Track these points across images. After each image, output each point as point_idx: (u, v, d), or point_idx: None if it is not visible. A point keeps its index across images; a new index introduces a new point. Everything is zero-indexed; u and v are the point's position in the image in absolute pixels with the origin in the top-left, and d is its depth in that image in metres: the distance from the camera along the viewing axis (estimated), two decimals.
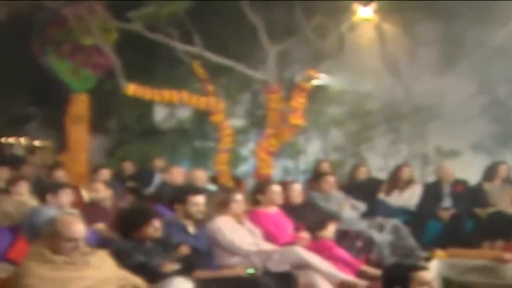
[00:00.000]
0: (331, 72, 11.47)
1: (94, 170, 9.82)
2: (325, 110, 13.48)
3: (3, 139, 15.23)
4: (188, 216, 6.11)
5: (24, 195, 7.99)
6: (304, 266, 6.03)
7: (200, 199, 6.14)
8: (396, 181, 9.66)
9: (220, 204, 6.49)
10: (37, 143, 15.45)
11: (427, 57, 12.04)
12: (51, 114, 15.14)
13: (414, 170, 10.69)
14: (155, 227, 5.29)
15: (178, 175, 8.96)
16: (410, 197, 9.51)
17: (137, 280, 4.56)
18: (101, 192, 7.48)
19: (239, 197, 6.61)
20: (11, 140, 15.32)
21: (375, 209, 9.00)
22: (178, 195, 6.23)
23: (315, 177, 9.00)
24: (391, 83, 12.77)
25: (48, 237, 4.33)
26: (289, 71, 12.80)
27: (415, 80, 12.30)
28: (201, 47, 10.83)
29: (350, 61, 11.74)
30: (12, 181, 8.20)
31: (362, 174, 10.16)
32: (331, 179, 8.57)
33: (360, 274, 6.45)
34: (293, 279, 5.65)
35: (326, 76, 11.12)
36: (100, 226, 7.10)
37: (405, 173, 9.69)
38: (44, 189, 7.00)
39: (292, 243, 6.64)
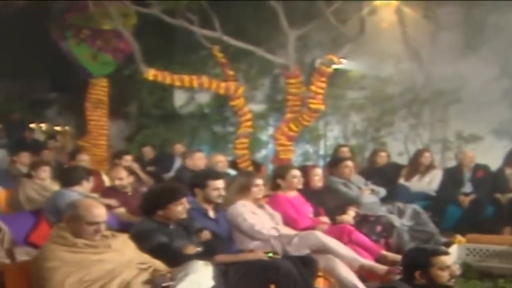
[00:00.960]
0: (351, 57, 11.41)
1: (116, 156, 9.83)
2: (345, 94, 13.46)
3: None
4: (208, 200, 6.12)
5: (45, 180, 8.06)
6: (323, 250, 6.02)
7: (220, 184, 6.14)
8: (416, 166, 9.62)
9: (240, 188, 6.49)
10: (57, 128, 15.53)
11: (448, 41, 11.96)
12: (71, 99, 15.26)
13: (435, 155, 10.63)
14: (184, 206, 5.31)
15: (200, 160, 8.95)
16: (430, 182, 9.48)
17: (157, 263, 4.57)
18: (124, 179, 7.51)
19: (259, 181, 6.61)
20: (32, 125, 15.41)
21: (395, 194, 8.97)
22: (199, 180, 6.23)
23: (334, 162, 8.96)
24: (411, 67, 12.72)
25: (70, 221, 4.36)
26: (309, 56, 12.78)
27: (436, 64, 12.23)
28: (220, 31, 10.80)
29: (371, 46, 11.68)
30: (34, 166, 8.29)
31: (382, 159, 10.12)
32: (350, 163, 8.53)
33: (380, 259, 6.44)
34: (313, 263, 5.64)
35: (346, 60, 11.06)
36: (121, 210, 7.15)
37: (426, 158, 9.64)
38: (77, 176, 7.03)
39: (311, 227, 6.64)
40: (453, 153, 11.65)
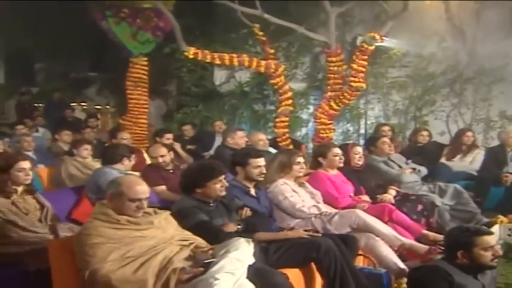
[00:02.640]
0: (394, 34, 11.29)
1: (157, 134, 9.88)
2: (386, 73, 13.34)
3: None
4: (249, 178, 6.13)
5: (87, 158, 8.16)
6: (364, 229, 6.00)
7: (261, 162, 6.13)
8: (458, 146, 9.53)
9: (281, 166, 6.48)
10: (98, 107, 15.67)
11: (493, 18, 11.74)
12: (111, 78, 15.39)
13: (477, 135, 10.51)
14: (223, 184, 5.32)
15: (241, 138, 8.95)
16: (473, 162, 9.39)
17: (199, 239, 4.60)
18: (166, 155, 7.56)
19: (300, 159, 6.60)
20: (72, 104, 15.58)
21: (436, 174, 8.92)
22: (240, 158, 6.23)
23: (372, 140, 8.90)
24: (455, 45, 12.53)
25: (112, 198, 4.40)
26: (351, 34, 12.69)
27: (480, 42, 12.04)
28: (261, 9, 10.75)
29: (413, 23, 11.52)
30: (76, 144, 8.38)
31: (423, 138, 10.02)
32: (388, 141, 8.48)
33: (420, 238, 6.40)
34: (354, 242, 5.63)
35: (388, 38, 10.94)
36: (162, 188, 7.20)
37: (468, 137, 9.54)
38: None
39: (352, 206, 6.62)
40: (496, 133, 11.51)
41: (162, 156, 7.52)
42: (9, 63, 16.86)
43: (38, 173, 7.79)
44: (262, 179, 6.18)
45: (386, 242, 5.96)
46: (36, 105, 15.52)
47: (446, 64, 12.89)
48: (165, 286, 4.05)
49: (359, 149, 7.82)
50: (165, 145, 8.21)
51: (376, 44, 10.37)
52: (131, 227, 4.33)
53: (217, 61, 10.91)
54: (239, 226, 5.24)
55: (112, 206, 4.37)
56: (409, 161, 8.72)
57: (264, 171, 6.15)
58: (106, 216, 4.32)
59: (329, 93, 10.92)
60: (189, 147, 10.64)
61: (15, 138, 9.86)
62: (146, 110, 12.51)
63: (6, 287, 4.67)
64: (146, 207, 4.46)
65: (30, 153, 8.91)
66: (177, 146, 9.46)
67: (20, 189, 5.40)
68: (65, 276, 4.31)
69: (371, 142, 8.71)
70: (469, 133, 9.67)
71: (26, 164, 5.45)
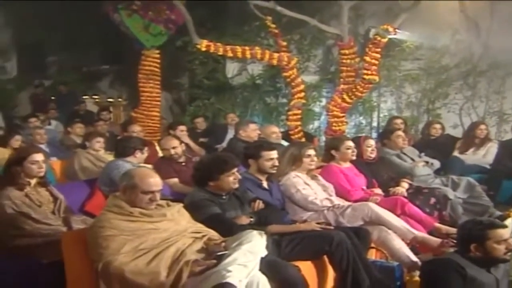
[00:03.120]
0: (407, 27, 11.23)
1: (170, 127, 9.90)
2: (399, 65, 13.29)
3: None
4: (262, 171, 6.13)
5: (99, 151, 8.18)
6: (376, 222, 6.00)
7: (274, 154, 6.13)
8: (471, 139, 9.49)
9: (292, 159, 6.47)
10: (110, 99, 15.69)
11: (507, 11, 11.65)
12: (123, 71, 15.40)
13: (490, 128, 10.45)
14: (235, 176, 5.32)
15: (253, 131, 8.95)
16: (486, 155, 9.35)
17: (212, 232, 4.61)
18: (178, 147, 7.57)
19: (311, 152, 6.59)
20: (85, 97, 15.60)
21: (449, 167, 8.89)
22: (252, 150, 6.23)
23: (386, 133, 8.88)
24: (469, 38, 12.46)
25: (125, 190, 4.41)
26: (363, 26, 12.64)
27: (494, 35, 11.96)
28: (274, 2, 10.73)
29: (427, 15, 11.46)
30: (88, 137, 8.40)
31: (436, 131, 9.99)
32: (402, 135, 8.46)
33: (433, 232, 6.39)
34: (367, 235, 5.63)
35: (401, 30, 10.89)
36: (174, 180, 7.21)
37: (481, 130, 9.50)
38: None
39: (365, 199, 6.61)
40: (509, 126, 11.46)
41: (174, 148, 7.54)
42: (22, 56, 16.89)
43: (51, 166, 7.82)
44: (274, 171, 6.18)
45: (399, 235, 5.96)
46: (52, 97, 15.56)
47: (459, 57, 12.82)
48: (178, 278, 4.06)
49: (372, 142, 7.81)
50: (175, 137, 8.24)
51: (389, 36, 10.34)
52: (144, 220, 4.35)
53: (230, 54, 10.91)
54: (251, 219, 5.25)
55: (125, 198, 4.39)
56: (422, 154, 8.70)
57: (277, 164, 6.15)
58: (119, 209, 4.34)
59: (342, 86, 10.91)
60: (201, 140, 10.66)
61: (27, 131, 9.89)
62: (158, 102, 12.53)
63: (20, 279, 4.70)
64: (159, 199, 4.47)
65: (42, 146, 8.93)
66: (185, 138, 9.42)
67: (33, 181, 5.43)
68: (78, 268, 4.33)
69: (385, 135, 8.70)
70: (482, 126, 9.62)
71: (39, 157, 5.47)
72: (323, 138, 11.87)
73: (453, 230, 6.05)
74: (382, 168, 7.71)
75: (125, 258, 4.07)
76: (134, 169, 4.77)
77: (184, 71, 15.56)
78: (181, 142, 8.13)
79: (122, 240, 4.15)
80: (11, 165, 5.41)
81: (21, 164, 5.36)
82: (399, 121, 10.13)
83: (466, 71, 12.96)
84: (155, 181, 4.43)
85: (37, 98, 15.62)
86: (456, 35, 12.60)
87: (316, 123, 14.22)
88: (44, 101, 15.06)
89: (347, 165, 7.18)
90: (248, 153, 6.26)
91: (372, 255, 5.89)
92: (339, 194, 6.65)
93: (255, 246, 4.22)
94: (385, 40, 10.21)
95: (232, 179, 5.32)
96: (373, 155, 7.67)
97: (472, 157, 9.32)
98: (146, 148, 7.29)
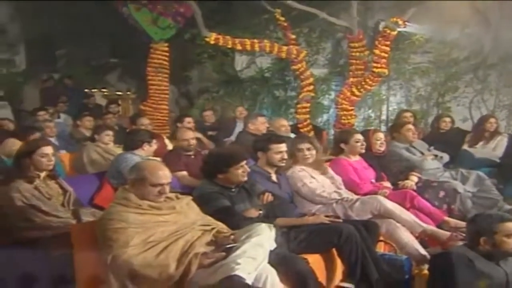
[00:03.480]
0: (416, 20, 11.17)
1: (178, 120, 9.91)
2: (409, 58, 13.25)
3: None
4: (271, 164, 6.12)
5: (108, 144, 8.19)
6: (385, 215, 6.01)
7: (283, 147, 6.11)
8: (481, 132, 9.45)
9: (289, 154, 6.41)
10: (118, 93, 15.70)
11: None
12: (131, 64, 15.39)
13: (500, 121, 10.40)
14: (244, 169, 5.32)
15: (262, 124, 8.96)
16: (495, 149, 9.30)
17: (220, 225, 4.61)
18: (191, 140, 7.56)
19: (304, 145, 6.55)
20: (93, 90, 15.62)
21: (458, 160, 8.87)
22: (261, 143, 6.22)
23: (396, 126, 8.86)
24: (478, 31, 12.39)
25: (134, 183, 4.41)
26: (373, 19, 12.59)
27: (504, 28, 11.88)
28: None
29: (436, 9, 11.39)
30: (97, 130, 8.41)
31: (445, 124, 9.96)
32: (412, 128, 8.44)
33: (442, 225, 6.38)
34: (375, 228, 5.63)
35: (410, 23, 10.84)
36: (183, 173, 7.22)
37: (491, 124, 9.44)
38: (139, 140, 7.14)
39: (373, 192, 6.61)
40: None
41: (191, 139, 7.53)
42: (30, 49, 16.91)
43: (60, 159, 7.84)
44: (283, 164, 6.17)
45: (408, 228, 5.96)
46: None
47: (469, 50, 12.77)
48: (186, 270, 4.07)
49: (381, 135, 7.80)
50: (188, 128, 8.25)
51: (399, 29, 10.31)
52: (153, 212, 4.35)
53: (238, 47, 10.90)
54: (260, 212, 5.24)
55: (134, 191, 4.39)
56: (431, 147, 8.67)
57: (286, 157, 6.14)
58: (128, 201, 4.34)
59: (351, 79, 10.88)
60: (210, 133, 10.66)
61: (37, 124, 9.90)
62: (166, 96, 12.54)
63: (29, 271, 4.71)
64: (168, 192, 4.48)
65: (52, 139, 8.96)
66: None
67: (42, 174, 5.44)
68: (87, 260, 4.33)
69: (395, 129, 8.66)
70: (492, 120, 9.57)
71: (48, 150, 5.48)
72: (332, 132, 11.86)
73: (462, 223, 6.05)
74: (391, 161, 7.70)
75: (134, 250, 4.08)
76: (143, 162, 4.77)
77: (193, 64, 15.55)
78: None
79: (131, 233, 4.15)
80: (20, 158, 5.43)
81: (30, 157, 5.38)
82: (408, 114, 10.11)
83: (476, 64, 12.91)
84: (164, 174, 4.43)
85: (46, 91, 15.64)
86: (465, 28, 12.54)
87: (325, 116, 14.21)
88: (54, 94, 15.07)
89: (356, 158, 7.18)
90: (257, 146, 6.25)
91: (381, 248, 5.88)
92: (348, 187, 6.65)
93: (264, 239, 4.23)
94: (394, 33, 10.19)
95: (241, 172, 5.31)
96: (382, 149, 7.66)
97: (481, 150, 9.27)
98: (154, 141, 7.30)
